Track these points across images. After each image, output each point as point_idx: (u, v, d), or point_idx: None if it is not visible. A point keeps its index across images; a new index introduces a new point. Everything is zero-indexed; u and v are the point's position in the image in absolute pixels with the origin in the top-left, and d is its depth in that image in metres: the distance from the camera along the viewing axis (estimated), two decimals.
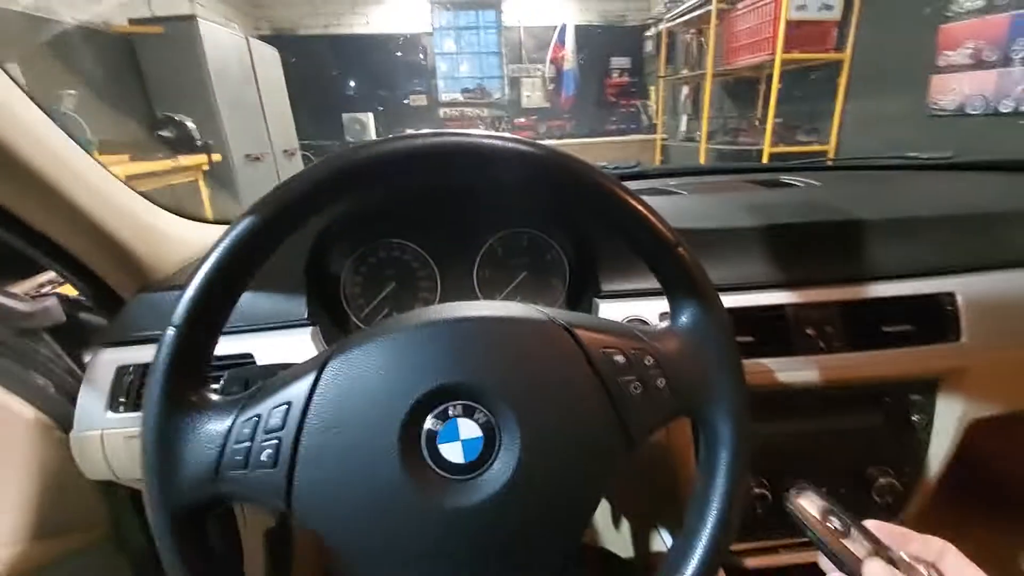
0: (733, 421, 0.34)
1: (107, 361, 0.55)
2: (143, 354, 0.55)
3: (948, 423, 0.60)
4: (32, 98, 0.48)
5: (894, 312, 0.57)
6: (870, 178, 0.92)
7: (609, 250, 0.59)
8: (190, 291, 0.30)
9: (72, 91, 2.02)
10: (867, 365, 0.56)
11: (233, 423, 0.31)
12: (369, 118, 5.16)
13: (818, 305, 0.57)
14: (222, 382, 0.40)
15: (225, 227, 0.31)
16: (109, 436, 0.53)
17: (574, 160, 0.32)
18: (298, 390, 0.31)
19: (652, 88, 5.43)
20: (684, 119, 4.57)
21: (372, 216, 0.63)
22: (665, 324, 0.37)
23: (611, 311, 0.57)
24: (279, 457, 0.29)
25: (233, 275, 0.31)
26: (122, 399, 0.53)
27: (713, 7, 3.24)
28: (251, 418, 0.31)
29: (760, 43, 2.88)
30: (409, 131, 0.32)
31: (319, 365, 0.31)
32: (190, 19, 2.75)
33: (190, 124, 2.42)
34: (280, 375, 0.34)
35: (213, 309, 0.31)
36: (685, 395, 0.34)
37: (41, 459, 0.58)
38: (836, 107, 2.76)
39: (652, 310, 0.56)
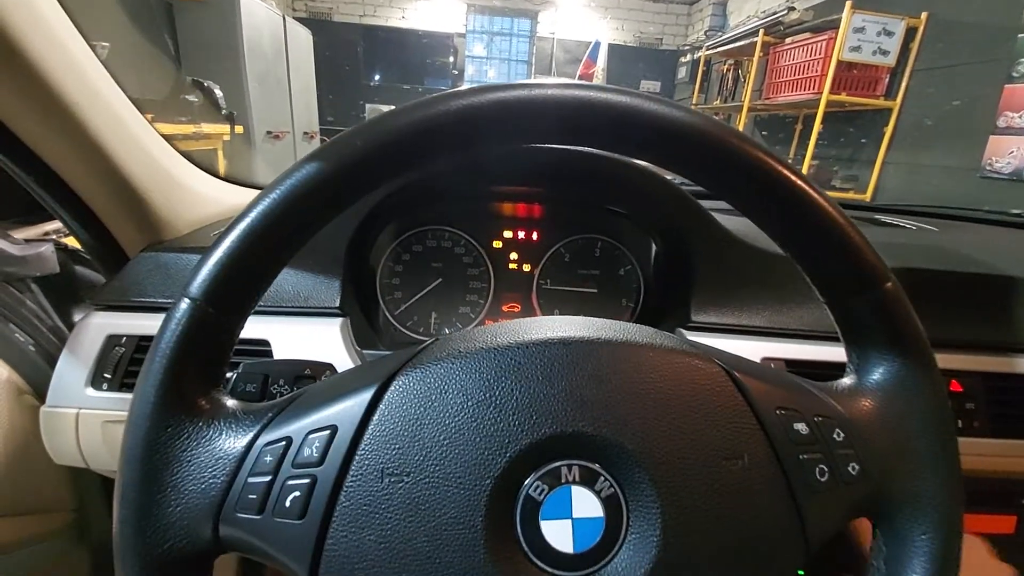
0: (944, 538, 0.24)
1: (96, 326, 0.46)
2: (141, 323, 0.46)
3: None
4: (81, 30, 0.42)
5: None
6: (984, 230, 0.82)
7: (708, 273, 0.50)
8: (219, 253, 0.22)
9: (106, 43, 1.97)
10: (1010, 457, 0.46)
11: (252, 444, 0.22)
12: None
13: (957, 375, 0.47)
14: (232, 377, 0.32)
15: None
16: (85, 417, 0.44)
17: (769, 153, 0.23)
18: (348, 411, 0.22)
19: None
20: None
21: (425, 195, 0.55)
22: (849, 380, 0.27)
23: None
24: (309, 505, 0.21)
25: (282, 239, 0.23)
26: (107, 375, 0.44)
27: (759, 39, 3.19)
28: (278, 441, 0.22)
29: (805, 81, 2.82)
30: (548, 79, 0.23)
31: (381, 379, 0.23)
32: None
33: (218, 92, 2.38)
34: (324, 382, 0.25)
35: (248, 282, 0.23)
36: (878, 489, 0.24)
37: (7, 427, 0.50)
38: (878, 156, 2.68)
39: (753, 352, 0.46)
